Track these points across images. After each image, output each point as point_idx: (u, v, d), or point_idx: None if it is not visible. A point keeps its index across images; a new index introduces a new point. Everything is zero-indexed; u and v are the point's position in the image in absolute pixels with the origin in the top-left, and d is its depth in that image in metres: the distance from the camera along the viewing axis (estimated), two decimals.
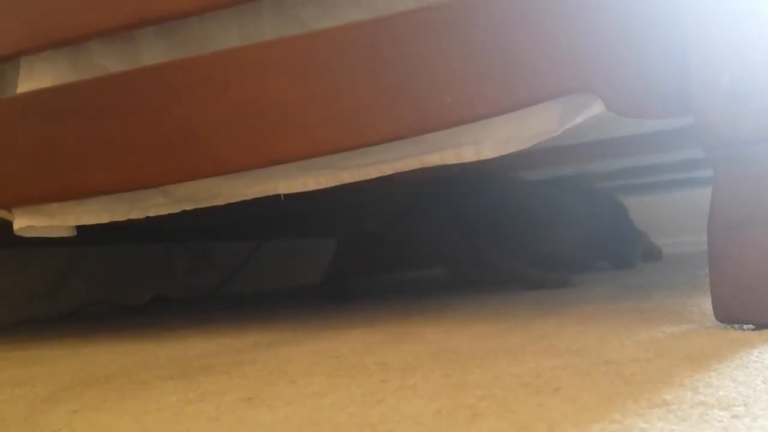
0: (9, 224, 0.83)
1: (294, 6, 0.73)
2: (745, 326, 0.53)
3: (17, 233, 0.82)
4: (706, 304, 0.58)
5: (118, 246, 1.56)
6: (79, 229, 0.84)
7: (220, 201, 0.75)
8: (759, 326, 0.52)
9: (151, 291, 1.57)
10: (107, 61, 0.81)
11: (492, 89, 0.63)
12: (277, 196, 0.76)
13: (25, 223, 0.81)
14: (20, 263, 1.38)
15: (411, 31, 0.65)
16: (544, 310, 0.73)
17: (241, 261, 1.76)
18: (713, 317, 0.54)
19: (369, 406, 0.37)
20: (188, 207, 0.78)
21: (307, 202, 1.34)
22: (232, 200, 0.75)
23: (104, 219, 0.79)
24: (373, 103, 0.67)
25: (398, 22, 0.66)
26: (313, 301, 1.19)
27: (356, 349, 0.57)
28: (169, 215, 0.80)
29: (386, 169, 0.72)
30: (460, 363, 0.47)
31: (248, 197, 0.74)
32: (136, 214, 0.79)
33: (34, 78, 0.82)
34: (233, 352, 0.62)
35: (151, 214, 0.79)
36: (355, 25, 0.68)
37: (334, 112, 0.68)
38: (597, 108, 0.62)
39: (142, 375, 0.54)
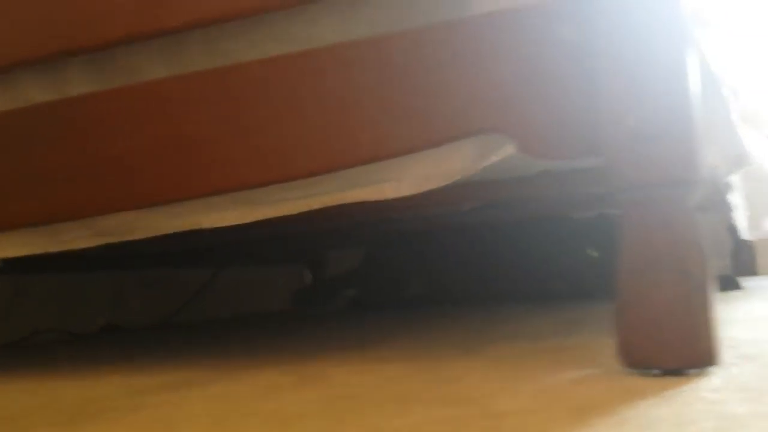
0: None
1: (221, 40, 0.72)
2: (653, 371, 0.52)
3: None
4: None
5: (70, 274, 1.54)
6: (28, 256, 0.81)
7: (139, 235, 0.74)
8: (665, 371, 0.51)
9: (102, 320, 1.54)
10: (36, 92, 0.80)
11: (407, 128, 0.62)
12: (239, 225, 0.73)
13: None
14: None
15: (330, 67, 0.65)
16: (464, 348, 0.72)
17: (195, 290, 1.74)
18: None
19: None
20: (110, 240, 0.76)
21: (266, 230, 1.33)
22: (151, 234, 0.73)
23: (24, 252, 0.77)
24: (294, 138, 0.66)
25: (318, 58, 0.66)
26: (259, 329, 1.17)
27: (257, 393, 0.55)
28: (123, 242, 0.77)
29: (310, 204, 0.71)
30: (349, 412, 0.46)
31: (168, 231, 0.73)
32: (56, 247, 0.77)
33: None
34: (136, 394, 0.60)
35: (72, 247, 0.77)
36: (275, 59, 0.67)
37: (255, 147, 0.67)
38: (511, 147, 0.61)
39: (33, 419, 0.53)
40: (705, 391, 0.45)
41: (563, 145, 0.58)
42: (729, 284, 1.22)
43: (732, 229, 1.08)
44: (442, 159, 0.65)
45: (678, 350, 0.51)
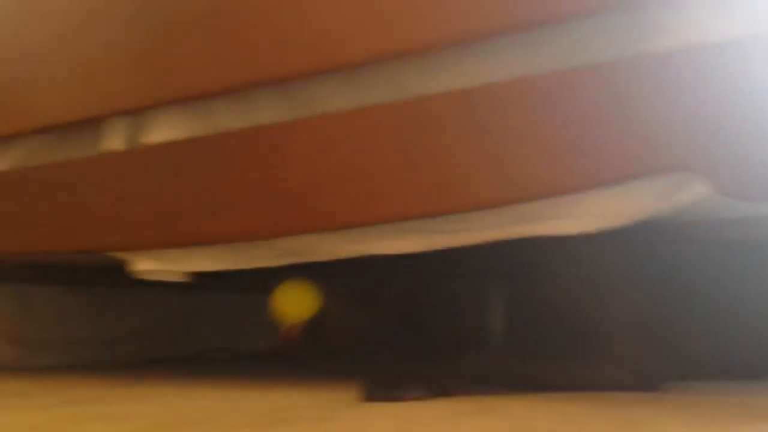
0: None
1: (397, 72, 0.75)
2: None
3: (134, 274, 0.88)
4: None
5: (243, 295, 1.60)
6: (203, 275, 0.88)
7: (317, 258, 0.78)
8: None
9: (270, 341, 1.60)
10: (225, 118, 0.86)
11: (586, 163, 0.62)
12: None
13: (145, 266, 0.88)
14: (144, 305, 1.47)
15: (509, 101, 0.66)
16: (645, 395, 0.70)
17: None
18: None
19: None
20: (293, 261, 0.81)
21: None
22: (330, 257, 0.77)
23: (217, 267, 0.84)
24: (469, 170, 0.67)
25: (497, 92, 0.67)
26: None
27: (441, 416, 0.56)
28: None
29: (480, 237, 0.72)
30: None
31: (346, 255, 0.77)
32: (243, 264, 0.83)
33: (160, 131, 0.87)
34: (319, 407, 0.64)
35: (259, 265, 0.82)
36: (454, 93, 0.69)
37: (430, 177, 0.69)
38: (699, 188, 0.59)
39: (230, 420, 0.57)
40: None
41: (763, 186, 0.55)
42: None
43: None
44: (623, 196, 0.64)
45: None
